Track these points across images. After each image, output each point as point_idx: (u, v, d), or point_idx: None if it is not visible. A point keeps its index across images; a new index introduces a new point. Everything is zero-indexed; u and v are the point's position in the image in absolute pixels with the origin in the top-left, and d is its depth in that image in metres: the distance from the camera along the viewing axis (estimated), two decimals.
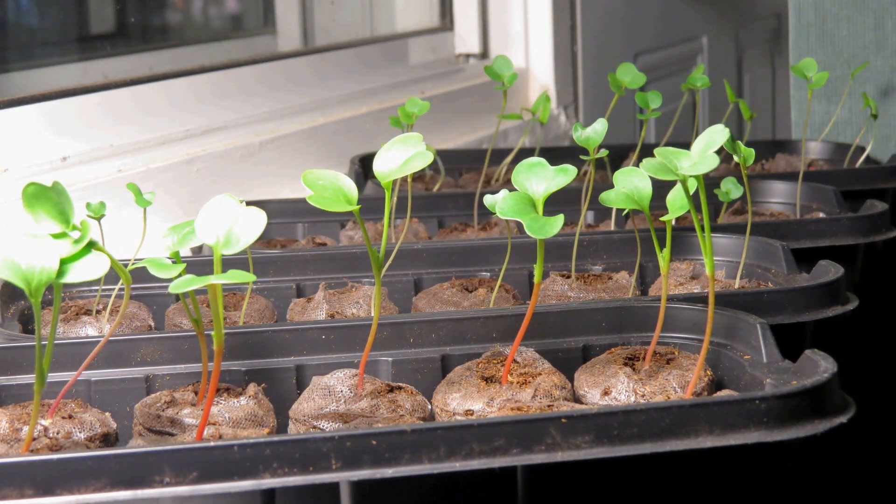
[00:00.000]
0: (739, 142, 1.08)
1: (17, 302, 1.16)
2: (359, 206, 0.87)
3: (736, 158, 1.07)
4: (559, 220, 0.87)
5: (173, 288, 0.76)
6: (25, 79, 1.55)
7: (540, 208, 0.89)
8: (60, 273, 0.78)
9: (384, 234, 0.91)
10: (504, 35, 2.33)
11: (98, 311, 1.15)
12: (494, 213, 0.94)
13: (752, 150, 1.09)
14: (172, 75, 1.64)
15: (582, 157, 1.18)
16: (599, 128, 1.14)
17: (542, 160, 0.91)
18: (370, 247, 0.91)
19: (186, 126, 1.62)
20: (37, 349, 0.80)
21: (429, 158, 0.89)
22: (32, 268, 0.78)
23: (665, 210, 1.32)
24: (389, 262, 1.22)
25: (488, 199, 1.06)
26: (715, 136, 0.87)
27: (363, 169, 1.67)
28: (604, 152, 1.18)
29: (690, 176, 0.87)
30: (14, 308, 1.15)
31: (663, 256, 0.93)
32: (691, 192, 0.90)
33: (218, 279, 0.77)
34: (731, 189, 1.31)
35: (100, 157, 1.48)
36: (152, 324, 1.17)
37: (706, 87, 1.52)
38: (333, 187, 0.88)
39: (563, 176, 0.89)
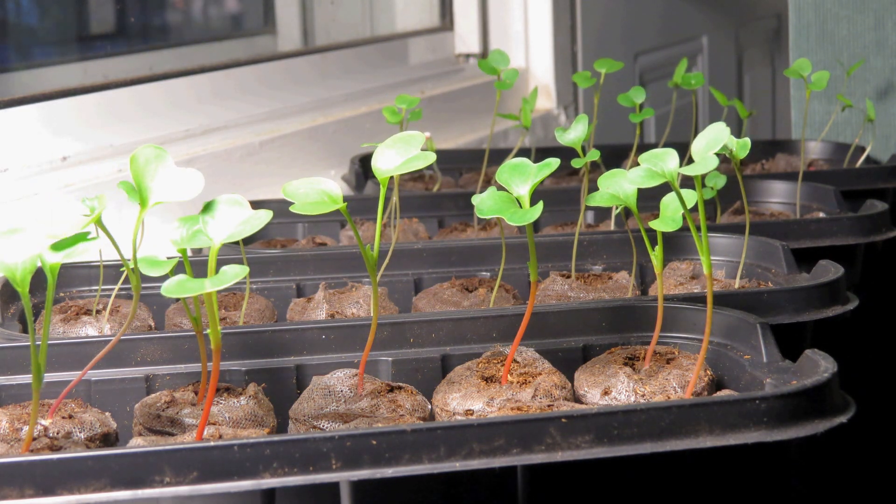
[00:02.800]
0: (732, 136, 1.07)
1: (18, 301, 1.16)
2: (345, 204, 0.87)
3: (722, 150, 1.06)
4: (538, 207, 0.87)
5: (165, 291, 0.76)
6: (25, 78, 1.55)
7: (526, 204, 0.89)
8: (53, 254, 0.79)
9: (377, 231, 0.91)
10: (504, 35, 2.33)
11: (98, 311, 1.15)
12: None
13: (748, 141, 1.08)
14: (172, 75, 1.64)
15: (574, 164, 1.18)
16: (582, 127, 1.13)
17: (525, 160, 0.90)
18: (362, 245, 0.91)
19: (186, 126, 1.62)
20: (31, 344, 0.80)
21: (431, 158, 0.88)
22: (15, 258, 0.78)
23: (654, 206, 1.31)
24: (386, 261, 1.22)
25: (476, 199, 1.06)
26: (717, 135, 0.87)
27: (363, 169, 1.67)
28: (594, 153, 1.18)
29: (685, 176, 0.87)
30: (14, 308, 1.15)
31: (656, 256, 0.93)
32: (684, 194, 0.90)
33: (212, 285, 0.76)
34: (716, 182, 1.31)
35: (100, 156, 1.48)
36: (152, 323, 1.17)
37: (700, 85, 1.52)
38: (316, 191, 0.88)
39: (546, 169, 0.89)
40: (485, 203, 0.88)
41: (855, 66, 1.77)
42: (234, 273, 0.77)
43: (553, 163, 0.89)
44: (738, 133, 1.85)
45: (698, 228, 0.89)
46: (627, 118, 1.45)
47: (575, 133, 1.13)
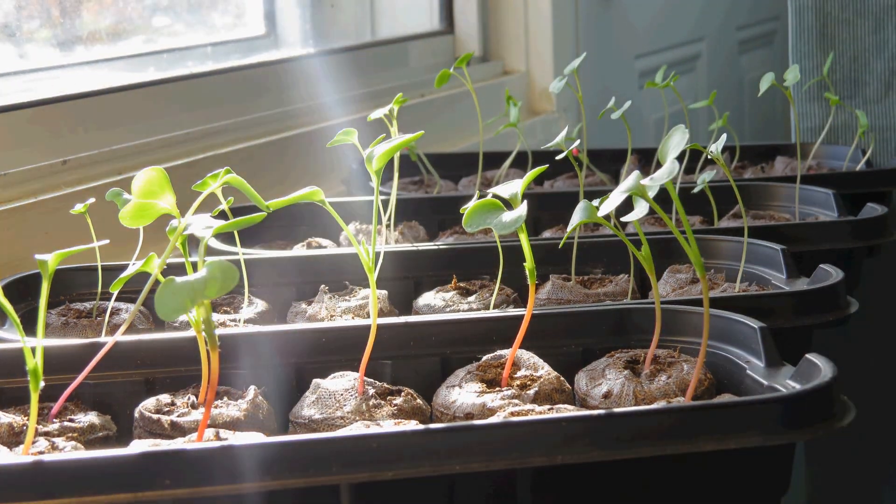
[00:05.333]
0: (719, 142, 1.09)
1: (20, 304, 1.16)
2: (319, 190, 0.89)
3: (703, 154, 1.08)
4: (521, 211, 0.88)
5: (161, 315, 0.75)
6: (25, 82, 1.55)
7: (517, 203, 0.90)
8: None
9: (373, 229, 0.92)
10: (504, 38, 2.33)
11: (97, 315, 1.15)
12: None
13: (723, 138, 1.10)
14: (173, 79, 1.64)
15: (557, 157, 1.19)
16: (563, 131, 1.19)
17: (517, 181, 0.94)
18: (355, 243, 0.92)
19: (186, 129, 1.62)
20: (23, 346, 0.80)
21: (416, 135, 0.91)
22: None
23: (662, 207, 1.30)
24: (380, 261, 1.22)
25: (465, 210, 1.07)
26: (678, 140, 0.88)
27: (363, 171, 1.67)
28: (561, 144, 1.21)
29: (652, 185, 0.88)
30: (16, 310, 1.15)
31: (644, 258, 0.93)
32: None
33: (205, 295, 0.76)
34: (704, 178, 1.31)
35: (100, 160, 1.48)
36: (152, 326, 1.17)
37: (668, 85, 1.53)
38: (297, 198, 0.91)
39: (539, 170, 0.93)
40: (471, 218, 0.90)
41: (828, 63, 1.77)
42: (224, 280, 0.76)
43: (540, 168, 0.92)
44: (741, 135, 1.85)
45: (694, 232, 0.89)
46: (630, 121, 1.45)
47: (559, 137, 1.18)
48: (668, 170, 0.86)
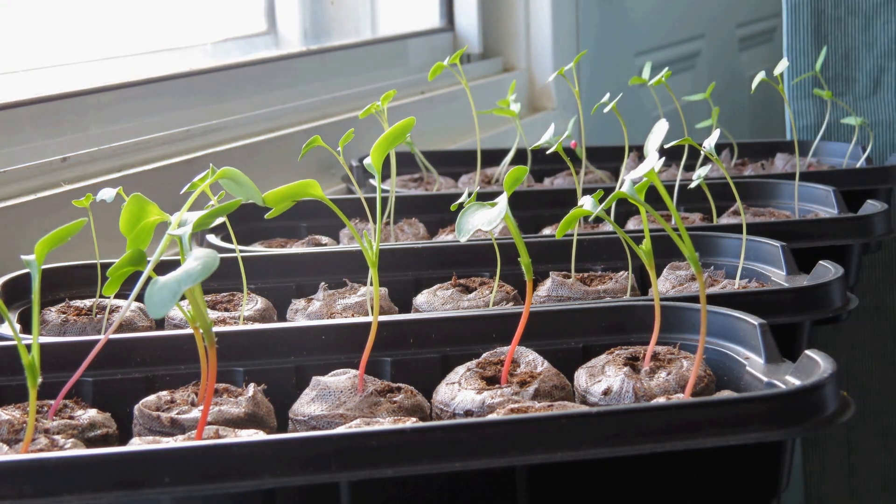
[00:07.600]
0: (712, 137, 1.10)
1: (19, 301, 1.16)
2: (315, 182, 0.89)
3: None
4: (501, 207, 0.89)
5: (151, 312, 0.75)
6: (25, 79, 1.55)
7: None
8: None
9: (378, 227, 0.92)
10: (504, 35, 2.33)
11: (97, 313, 1.15)
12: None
13: (716, 133, 1.10)
14: (173, 76, 1.64)
15: (548, 153, 1.19)
16: (552, 129, 1.22)
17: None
18: (359, 238, 0.92)
19: (186, 126, 1.62)
20: (17, 343, 0.80)
21: (410, 125, 0.92)
22: None
23: (661, 206, 1.33)
24: (376, 250, 1.22)
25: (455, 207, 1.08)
26: (659, 132, 0.90)
27: (363, 169, 1.67)
28: (555, 142, 1.21)
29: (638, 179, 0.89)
30: (16, 307, 1.15)
31: (645, 253, 0.93)
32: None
33: (189, 283, 0.75)
34: (700, 174, 1.31)
35: (100, 157, 1.48)
36: (152, 324, 1.17)
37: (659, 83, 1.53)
38: (293, 189, 0.90)
39: (517, 179, 0.95)
40: (460, 226, 0.91)
41: (820, 59, 1.77)
42: (203, 266, 0.75)
43: (523, 168, 0.94)
44: (741, 133, 1.86)
45: (690, 229, 0.89)
46: (628, 120, 1.45)
47: (548, 134, 1.21)
48: (649, 163, 0.87)
